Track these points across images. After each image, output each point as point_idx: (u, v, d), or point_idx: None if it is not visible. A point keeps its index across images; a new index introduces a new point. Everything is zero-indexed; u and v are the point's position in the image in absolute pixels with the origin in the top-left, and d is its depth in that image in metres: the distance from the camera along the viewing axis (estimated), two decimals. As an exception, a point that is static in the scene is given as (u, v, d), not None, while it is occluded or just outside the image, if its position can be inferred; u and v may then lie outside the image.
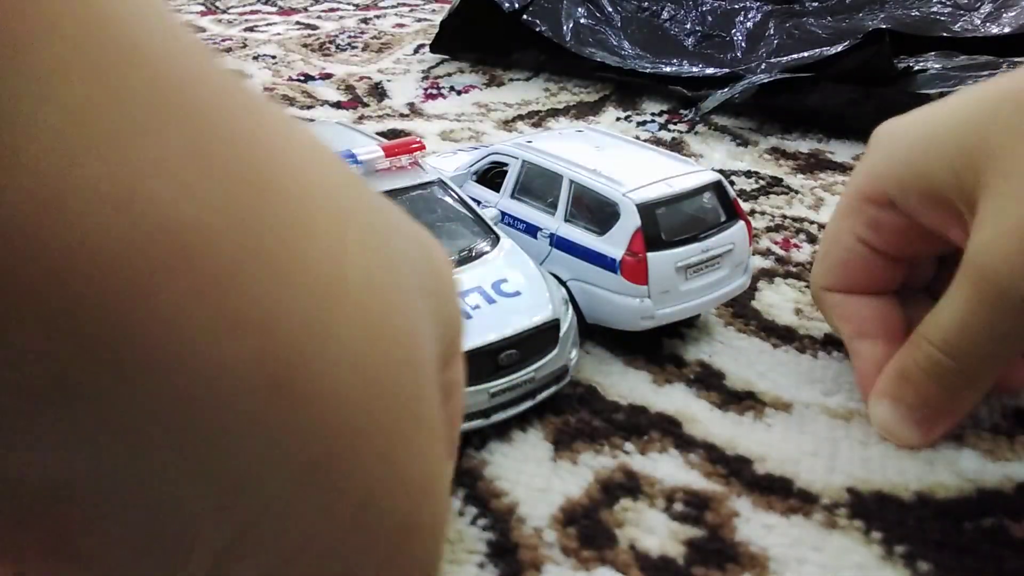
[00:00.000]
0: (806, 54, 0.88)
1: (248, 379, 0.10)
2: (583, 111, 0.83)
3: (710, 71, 0.86)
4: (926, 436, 0.33)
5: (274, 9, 1.34)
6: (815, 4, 1.01)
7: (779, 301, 0.47)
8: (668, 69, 0.87)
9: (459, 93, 0.89)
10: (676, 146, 0.73)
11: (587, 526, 0.31)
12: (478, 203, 0.43)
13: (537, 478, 0.34)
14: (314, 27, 1.20)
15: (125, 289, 0.09)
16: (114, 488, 0.10)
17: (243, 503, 0.11)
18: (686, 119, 0.79)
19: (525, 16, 0.91)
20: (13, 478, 0.10)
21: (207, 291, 0.10)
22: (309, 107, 0.84)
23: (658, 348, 0.42)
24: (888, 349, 0.36)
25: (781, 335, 0.44)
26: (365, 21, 1.25)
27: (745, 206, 0.57)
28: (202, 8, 1.34)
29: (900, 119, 0.33)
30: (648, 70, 0.87)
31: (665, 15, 1.00)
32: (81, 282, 0.09)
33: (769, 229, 0.56)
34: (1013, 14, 0.91)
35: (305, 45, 1.09)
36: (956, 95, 0.33)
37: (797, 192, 0.63)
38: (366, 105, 0.85)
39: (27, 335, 0.09)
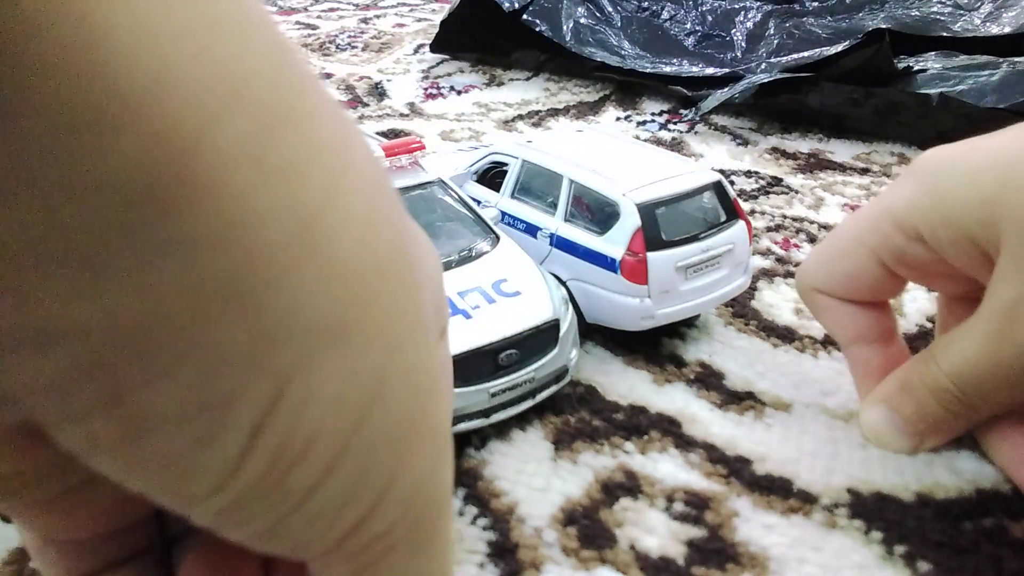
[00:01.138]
0: (806, 54, 0.88)
1: (280, 226, 0.11)
2: (583, 111, 0.83)
3: (710, 71, 0.86)
4: (915, 447, 0.34)
5: (274, 9, 1.34)
6: (815, 4, 1.01)
7: (779, 301, 0.47)
8: (668, 69, 0.87)
9: (459, 93, 0.89)
10: (676, 146, 0.73)
11: (587, 526, 0.31)
12: (478, 203, 0.43)
13: (537, 478, 0.34)
14: (314, 27, 1.20)
15: (196, 120, 0.10)
16: (169, 335, 0.11)
17: (277, 358, 0.12)
18: (686, 119, 0.79)
19: (525, 16, 0.91)
20: (83, 324, 0.10)
21: (256, 136, 0.11)
22: (309, 107, 0.84)
23: (658, 348, 0.42)
24: (886, 352, 0.36)
25: (781, 335, 0.44)
26: (365, 21, 1.25)
27: (745, 206, 0.57)
28: (202, 8, 1.34)
29: (946, 152, 0.33)
30: (648, 70, 0.87)
31: (665, 15, 1.00)
32: (161, 108, 0.10)
33: (769, 229, 0.56)
34: (1013, 14, 0.91)
35: (305, 45, 1.09)
36: (1000, 135, 0.32)
37: (797, 192, 0.63)
38: (366, 105, 0.85)
39: (115, 154, 0.10)
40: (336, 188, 0.13)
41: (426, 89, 0.90)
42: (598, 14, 0.97)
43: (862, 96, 0.72)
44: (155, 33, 0.10)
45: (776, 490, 0.33)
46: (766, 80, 0.74)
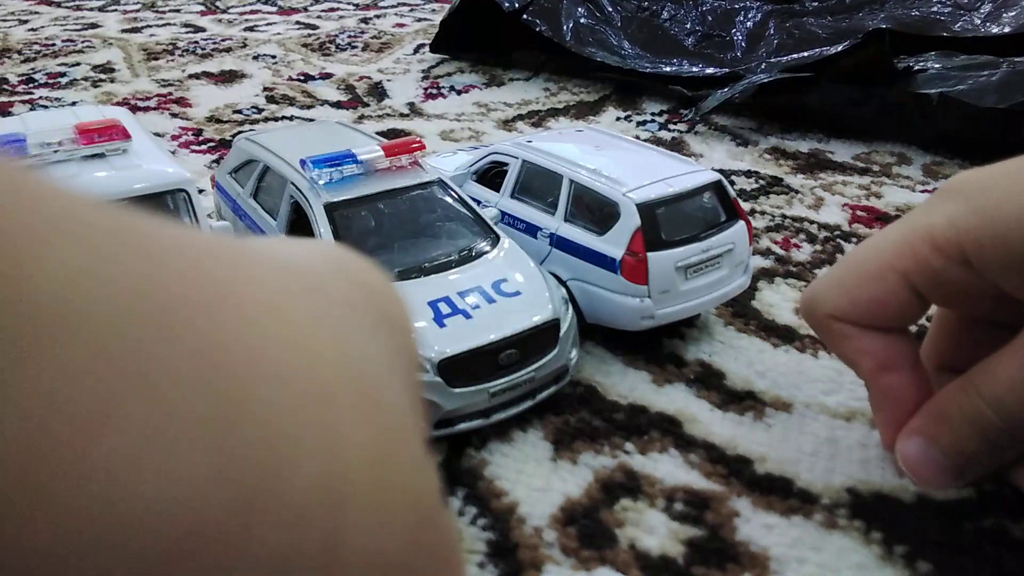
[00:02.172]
0: (806, 54, 0.88)
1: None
2: (583, 111, 0.83)
3: (710, 71, 0.86)
4: (952, 482, 0.32)
5: (274, 9, 1.34)
6: (815, 4, 1.01)
7: (779, 301, 0.47)
8: (668, 69, 0.87)
9: (459, 93, 0.89)
10: (676, 146, 0.73)
11: (587, 526, 0.31)
12: (478, 203, 0.43)
13: (537, 478, 0.34)
14: (314, 27, 1.20)
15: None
16: None
17: None
18: (686, 119, 0.79)
19: (525, 16, 0.91)
20: None
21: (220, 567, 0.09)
22: (309, 107, 0.84)
23: (658, 348, 0.42)
24: (915, 378, 0.33)
25: (781, 335, 0.44)
26: (365, 21, 1.25)
27: (745, 206, 0.57)
28: (202, 8, 1.34)
29: (987, 172, 0.31)
30: (648, 70, 0.87)
31: (665, 15, 1.00)
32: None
33: (769, 229, 0.56)
34: (1013, 14, 0.91)
35: (305, 45, 1.09)
36: None
37: (797, 192, 0.63)
38: (366, 105, 0.85)
39: None
40: (346, 533, 0.11)
41: (426, 89, 0.90)
42: (598, 14, 0.97)
43: (862, 96, 0.72)
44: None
45: (776, 490, 0.33)
46: (766, 80, 0.74)
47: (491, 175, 0.47)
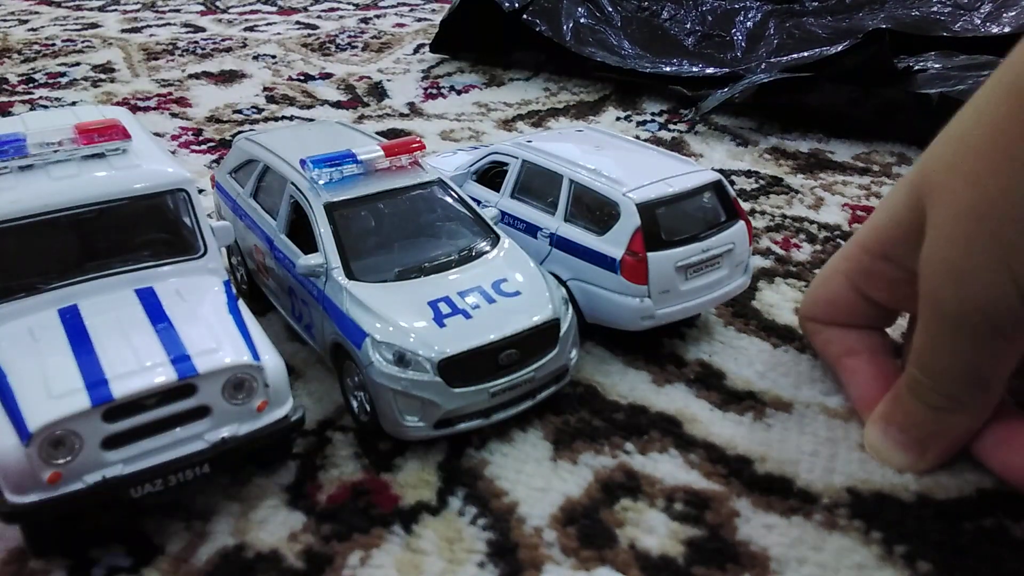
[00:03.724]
0: (806, 54, 0.88)
1: None
2: (583, 111, 0.83)
3: (710, 71, 0.86)
4: (915, 460, 0.34)
5: (274, 9, 1.34)
6: (815, 4, 1.02)
7: (779, 301, 0.47)
8: (668, 69, 0.87)
9: (459, 93, 0.89)
10: (676, 146, 0.73)
11: (587, 526, 0.31)
12: (478, 203, 0.43)
13: (537, 478, 0.34)
14: (314, 27, 1.20)
15: None
16: None
17: None
18: (686, 119, 0.79)
19: (525, 16, 0.91)
20: None
21: None
22: (309, 107, 0.84)
23: (658, 348, 0.42)
24: (876, 361, 0.37)
25: (781, 335, 0.44)
26: (365, 21, 1.25)
27: (745, 206, 0.57)
28: (202, 8, 1.34)
29: None
30: (648, 70, 0.87)
31: (665, 15, 1.00)
32: None
33: (769, 229, 0.56)
34: (1013, 14, 0.91)
35: (305, 45, 1.09)
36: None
37: (797, 192, 0.63)
38: (366, 105, 0.85)
39: None
40: None
41: (426, 89, 0.90)
42: (598, 14, 0.97)
43: (862, 96, 0.72)
44: None
45: (776, 490, 0.33)
46: (766, 80, 0.74)
47: (491, 175, 0.47)
